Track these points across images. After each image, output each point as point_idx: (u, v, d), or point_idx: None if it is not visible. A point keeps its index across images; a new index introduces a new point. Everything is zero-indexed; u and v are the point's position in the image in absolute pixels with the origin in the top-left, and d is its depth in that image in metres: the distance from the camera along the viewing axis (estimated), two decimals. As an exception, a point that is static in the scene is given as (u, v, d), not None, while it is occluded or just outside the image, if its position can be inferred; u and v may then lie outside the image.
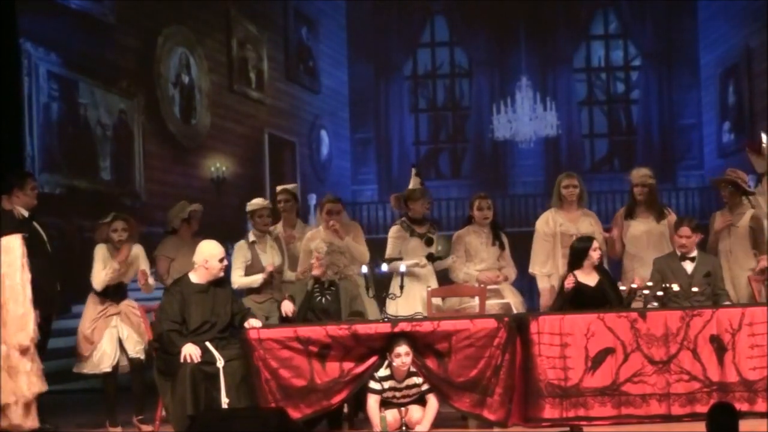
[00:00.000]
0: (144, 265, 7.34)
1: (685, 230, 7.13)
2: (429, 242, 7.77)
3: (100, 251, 7.23)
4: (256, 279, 7.39)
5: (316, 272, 7.01)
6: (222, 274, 6.67)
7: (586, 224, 7.72)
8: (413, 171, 8.02)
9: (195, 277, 6.66)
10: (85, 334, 7.16)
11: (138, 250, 7.34)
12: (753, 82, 15.96)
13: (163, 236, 7.88)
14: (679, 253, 7.16)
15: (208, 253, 6.61)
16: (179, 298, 6.54)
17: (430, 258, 7.76)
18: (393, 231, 7.81)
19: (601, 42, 19.02)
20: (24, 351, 6.28)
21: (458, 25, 18.58)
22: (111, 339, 7.18)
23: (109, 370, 7.18)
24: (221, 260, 6.61)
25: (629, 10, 18.48)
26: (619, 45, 19.00)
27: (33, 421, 6.36)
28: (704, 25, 17.88)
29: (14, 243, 6.34)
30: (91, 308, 7.23)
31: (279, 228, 7.96)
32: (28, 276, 6.38)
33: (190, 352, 6.32)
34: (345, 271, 7.21)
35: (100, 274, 7.14)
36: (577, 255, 7.09)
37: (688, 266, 7.11)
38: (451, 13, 18.61)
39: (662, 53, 18.32)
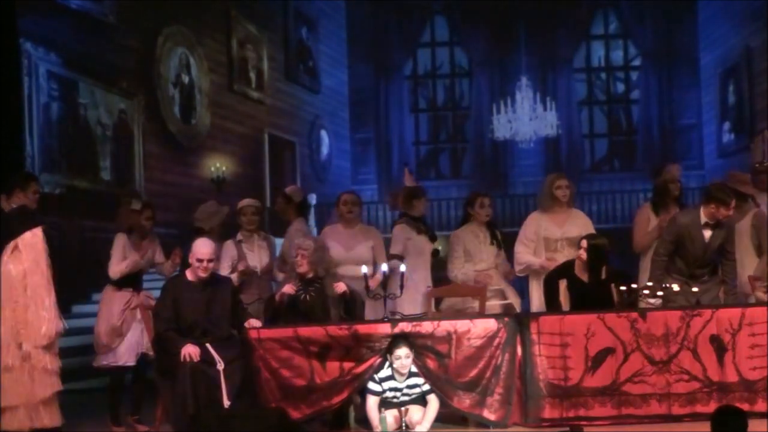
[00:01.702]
0: (160, 256, 7.45)
1: (734, 202, 7.01)
2: (433, 239, 7.78)
3: (121, 241, 7.25)
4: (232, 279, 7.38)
5: (301, 269, 6.87)
6: (203, 273, 6.64)
7: (574, 228, 7.51)
8: (406, 169, 8.00)
9: (189, 275, 6.70)
10: (114, 325, 7.15)
11: (156, 238, 7.46)
12: (753, 82, 15.97)
13: (195, 236, 7.88)
14: (704, 221, 7.05)
15: (193, 251, 6.68)
16: (171, 296, 6.58)
17: (435, 254, 7.79)
18: (398, 230, 7.69)
19: (601, 42, 19.05)
20: (48, 348, 6.28)
21: (458, 25, 18.60)
22: (136, 332, 7.21)
23: (133, 363, 7.18)
24: (199, 260, 6.59)
25: (629, 10, 18.50)
26: (619, 45, 19.04)
27: (58, 419, 6.29)
28: (704, 25, 17.90)
29: (38, 237, 6.29)
30: (117, 299, 7.23)
31: (299, 226, 7.93)
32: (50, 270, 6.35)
33: (190, 351, 6.32)
34: (331, 269, 7.08)
35: (120, 265, 7.17)
36: (598, 254, 7.00)
37: (708, 233, 7.03)
38: (451, 13, 18.63)
39: (662, 53, 18.34)
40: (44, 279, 6.22)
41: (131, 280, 7.28)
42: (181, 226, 10.99)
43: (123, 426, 7.14)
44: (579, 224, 7.55)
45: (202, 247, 6.65)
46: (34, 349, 6.12)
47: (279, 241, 7.99)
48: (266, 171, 15.79)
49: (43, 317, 6.18)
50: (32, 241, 6.23)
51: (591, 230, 7.50)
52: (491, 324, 6.50)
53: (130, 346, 7.18)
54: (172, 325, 6.48)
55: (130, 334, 7.19)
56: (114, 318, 7.17)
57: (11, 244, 6.20)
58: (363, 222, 7.91)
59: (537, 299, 7.51)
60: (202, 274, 6.63)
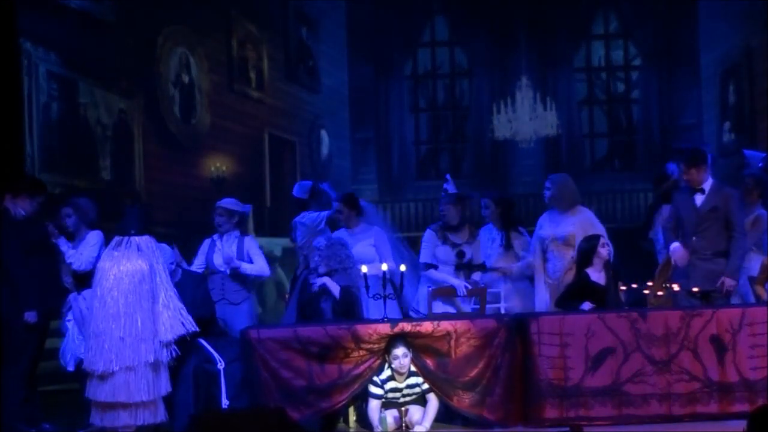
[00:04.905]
0: None
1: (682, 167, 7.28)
2: (460, 255, 7.87)
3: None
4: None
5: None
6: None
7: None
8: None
9: None
10: None
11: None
12: (753, 82, 15.94)
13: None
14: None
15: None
16: None
17: (459, 268, 7.83)
18: (425, 236, 8.02)
19: (601, 42, 19.01)
20: (169, 346, 6.48)
21: (458, 25, 18.58)
22: None
23: None
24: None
25: (629, 10, 18.48)
26: (619, 45, 18.99)
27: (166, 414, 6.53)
28: (704, 25, 17.85)
29: (152, 243, 6.60)
30: None
31: None
32: None
33: None
34: (345, 264, 7.16)
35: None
36: (585, 255, 7.08)
37: (698, 199, 7.15)
38: (451, 13, 18.60)
39: (662, 53, 18.31)
40: (164, 280, 6.50)
41: None
42: (181, 225, 11.00)
43: None
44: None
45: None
46: (162, 347, 6.34)
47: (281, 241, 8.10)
48: (266, 171, 15.77)
49: (168, 315, 6.40)
50: (151, 245, 6.53)
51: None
52: (491, 324, 6.50)
53: None
54: None
55: None
56: None
57: (131, 243, 6.44)
58: (366, 222, 7.99)
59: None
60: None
